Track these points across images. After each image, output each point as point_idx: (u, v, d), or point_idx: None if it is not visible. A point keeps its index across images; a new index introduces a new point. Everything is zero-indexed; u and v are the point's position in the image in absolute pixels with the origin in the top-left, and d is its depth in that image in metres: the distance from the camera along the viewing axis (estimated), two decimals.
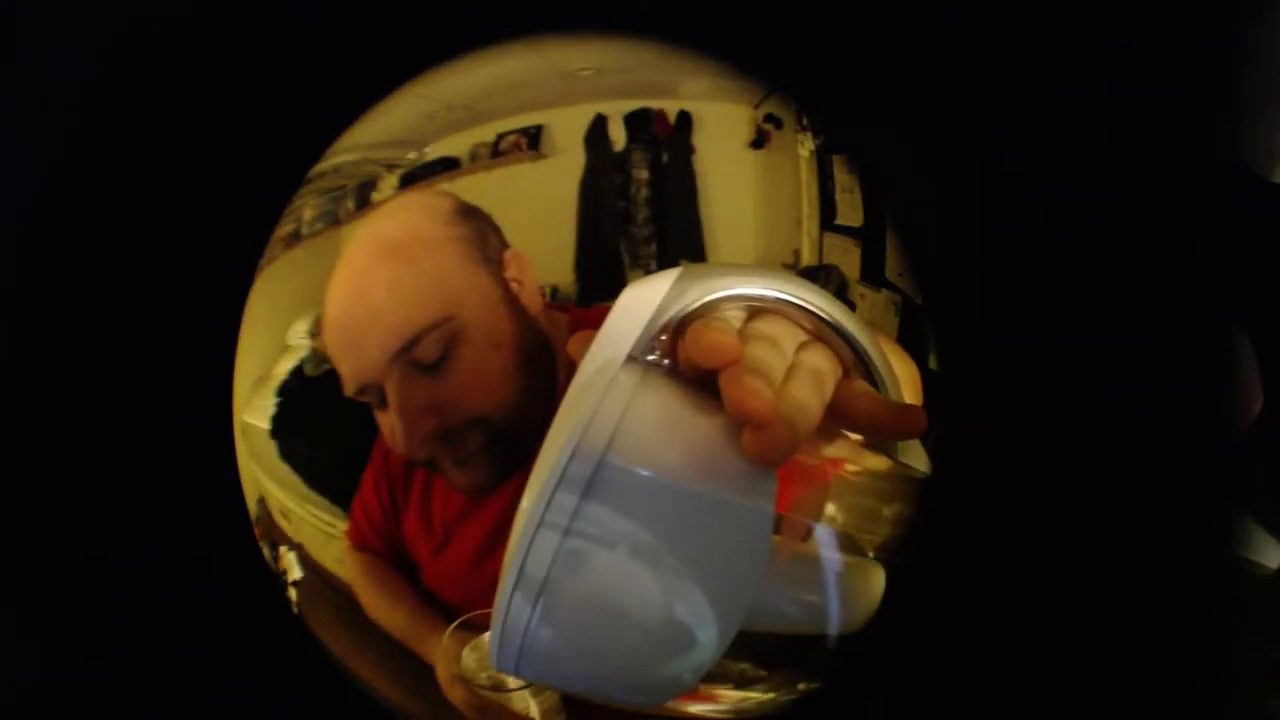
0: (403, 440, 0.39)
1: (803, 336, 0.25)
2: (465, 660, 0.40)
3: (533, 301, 0.42)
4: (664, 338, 0.24)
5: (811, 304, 0.25)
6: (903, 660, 0.42)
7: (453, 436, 0.40)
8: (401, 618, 0.44)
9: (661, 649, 0.22)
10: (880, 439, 0.27)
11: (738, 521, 0.22)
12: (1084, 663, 0.40)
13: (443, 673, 0.41)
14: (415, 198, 0.42)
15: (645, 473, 0.21)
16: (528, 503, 0.22)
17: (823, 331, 0.26)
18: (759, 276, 0.25)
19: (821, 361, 0.24)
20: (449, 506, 0.44)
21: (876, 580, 0.27)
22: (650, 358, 0.24)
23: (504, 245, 0.42)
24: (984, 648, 0.41)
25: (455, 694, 0.41)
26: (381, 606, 0.44)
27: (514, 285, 0.42)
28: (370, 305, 0.40)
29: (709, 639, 0.22)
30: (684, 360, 0.23)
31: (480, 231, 0.42)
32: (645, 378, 0.23)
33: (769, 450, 0.21)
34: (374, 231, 0.42)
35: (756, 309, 0.25)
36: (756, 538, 0.22)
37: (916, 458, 0.31)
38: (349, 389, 0.40)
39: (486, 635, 0.39)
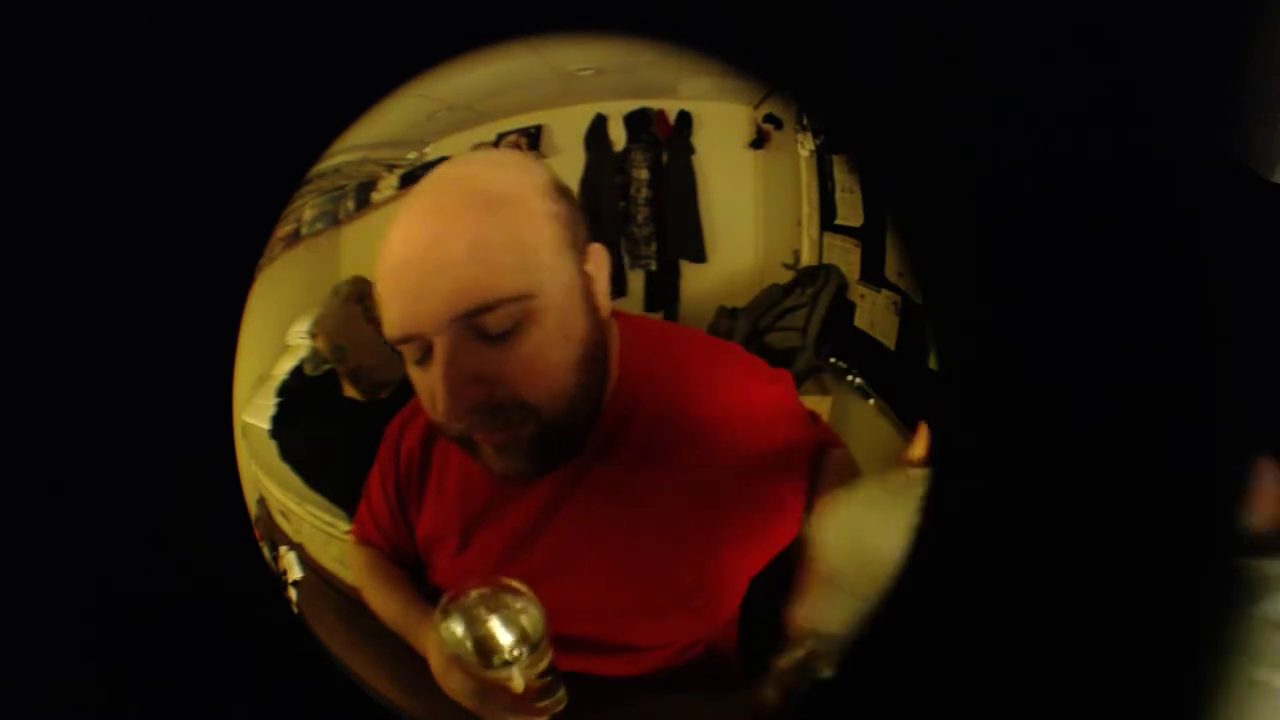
0: (444, 405, 0.36)
1: None
2: (449, 632, 0.38)
3: (604, 303, 0.40)
4: None
5: None
6: (903, 659, 0.42)
7: (497, 415, 0.37)
8: (398, 609, 0.43)
9: None
10: None
11: None
12: (1084, 662, 0.40)
13: (436, 662, 0.40)
14: (514, 156, 0.40)
15: None
16: None
17: None
18: None
19: None
20: (470, 504, 0.43)
21: None
22: None
23: (589, 236, 0.40)
24: (984, 647, 0.41)
25: (451, 683, 0.40)
26: (382, 600, 0.43)
27: (591, 281, 0.40)
28: (446, 253, 0.36)
29: None
30: None
31: (574, 216, 0.39)
32: None
33: None
34: (466, 174, 0.39)
35: None
36: None
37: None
38: (390, 332, 0.37)
39: (474, 594, 0.38)
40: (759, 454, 0.42)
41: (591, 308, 0.40)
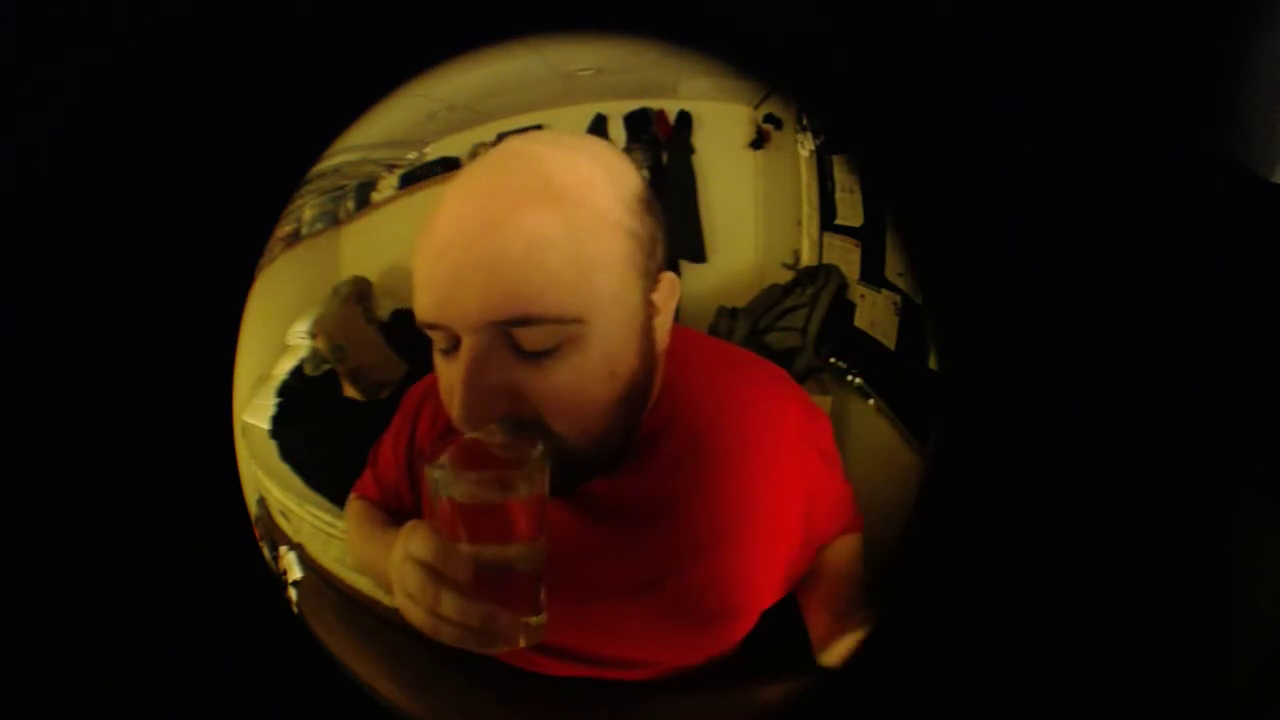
0: (460, 410, 0.33)
1: None
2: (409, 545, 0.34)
3: (663, 337, 0.37)
4: None
5: None
6: (903, 659, 0.42)
7: (517, 433, 0.34)
8: (380, 550, 0.38)
9: None
10: None
11: None
12: (1084, 661, 0.40)
13: (399, 593, 0.35)
14: (601, 147, 0.36)
15: None
16: None
17: None
18: None
19: None
20: None
21: None
22: None
23: (664, 262, 0.36)
24: (984, 645, 0.41)
25: (415, 615, 0.35)
26: (363, 543, 0.40)
27: (655, 314, 0.36)
28: (496, 247, 0.32)
29: None
30: None
31: (654, 236, 0.35)
32: None
33: None
34: (540, 155, 0.34)
35: None
36: None
37: None
38: (420, 316, 0.34)
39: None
40: (788, 484, 0.42)
41: (647, 343, 0.36)
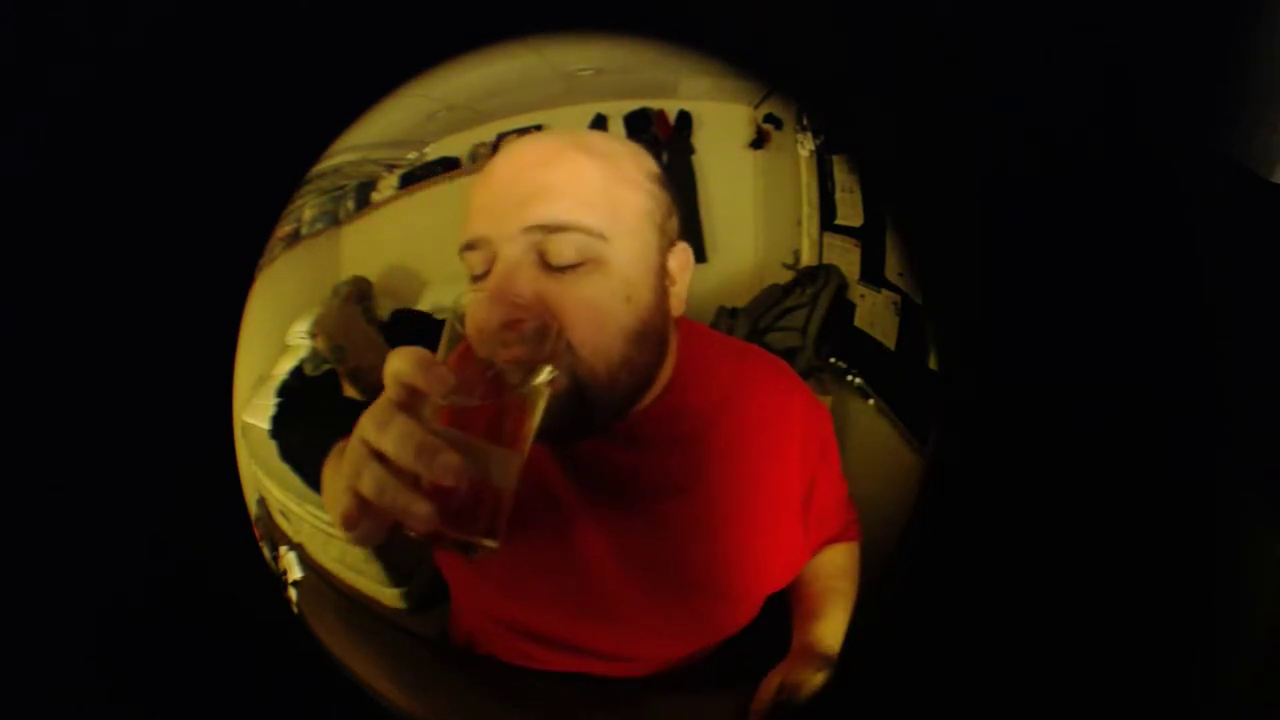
0: (484, 313, 0.34)
1: None
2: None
3: (678, 305, 0.40)
4: None
5: None
6: (903, 658, 0.42)
7: (535, 343, 0.34)
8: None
9: None
10: None
11: None
12: (1084, 661, 0.40)
13: (342, 491, 0.31)
14: (624, 143, 0.40)
15: None
16: None
17: None
18: None
19: None
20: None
21: None
22: None
23: (678, 236, 0.40)
24: (984, 644, 0.41)
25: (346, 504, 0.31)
26: (333, 473, 0.38)
27: (668, 276, 0.39)
28: (544, 176, 0.37)
29: None
30: None
31: (669, 207, 0.40)
32: None
33: None
34: (581, 132, 0.40)
35: None
36: None
37: None
38: (466, 235, 0.37)
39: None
40: (790, 472, 0.42)
41: (661, 291, 0.39)
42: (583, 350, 0.36)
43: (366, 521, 0.30)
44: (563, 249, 0.36)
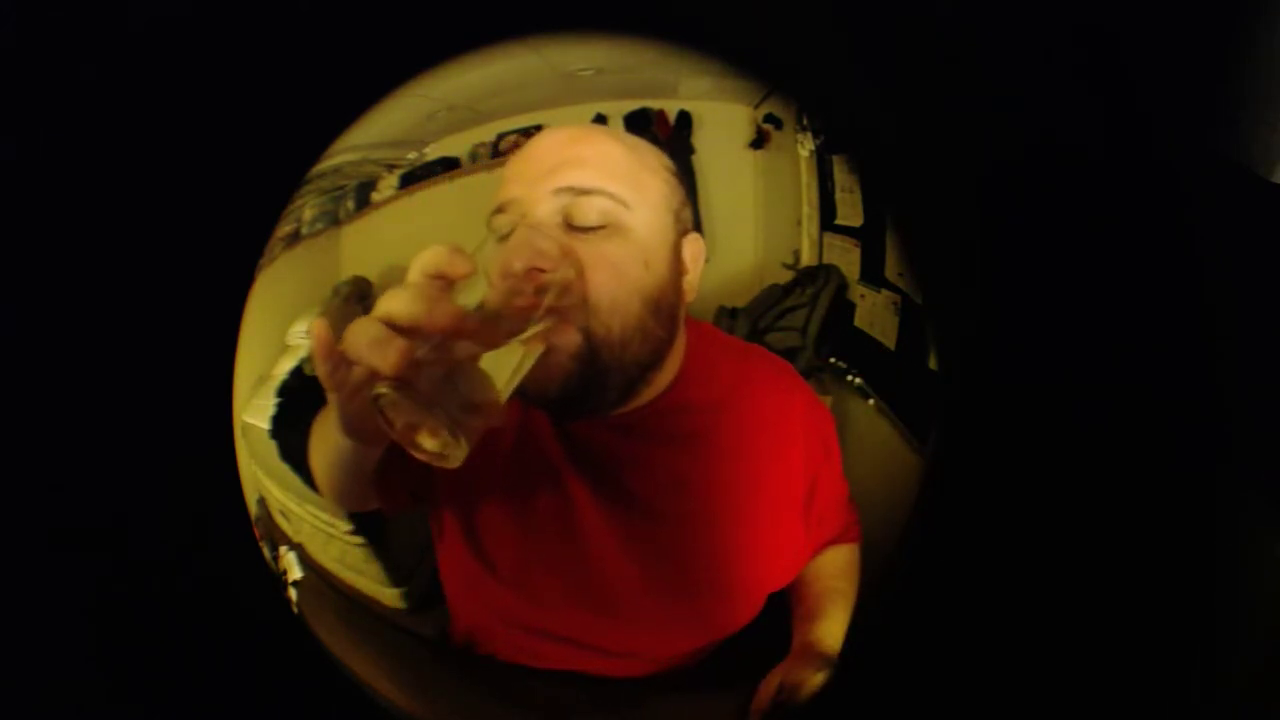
0: (505, 255, 0.35)
1: None
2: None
3: (690, 293, 0.41)
4: None
5: None
6: (902, 658, 0.42)
7: (554, 295, 0.35)
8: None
9: None
10: None
11: None
12: (1084, 661, 0.40)
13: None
14: (644, 140, 0.42)
15: None
16: None
17: None
18: None
19: None
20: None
21: None
22: None
23: (690, 226, 0.42)
24: (984, 644, 0.41)
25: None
26: (319, 437, 0.39)
27: (681, 262, 0.41)
28: (576, 150, 0.39)
29: None
30: None
31: (683, 198, 0.42)
32: None
33: None
34: (609, 127, 0.43)
35: None
36: None
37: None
38: (499, 199, 0.39)
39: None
40: (792, 470, 0.43)
41: (676, 270, 0.40)
42: (600, 306, 0.37)
43: (344, 375, 0.30)
44: (588, 211, 0.38)
